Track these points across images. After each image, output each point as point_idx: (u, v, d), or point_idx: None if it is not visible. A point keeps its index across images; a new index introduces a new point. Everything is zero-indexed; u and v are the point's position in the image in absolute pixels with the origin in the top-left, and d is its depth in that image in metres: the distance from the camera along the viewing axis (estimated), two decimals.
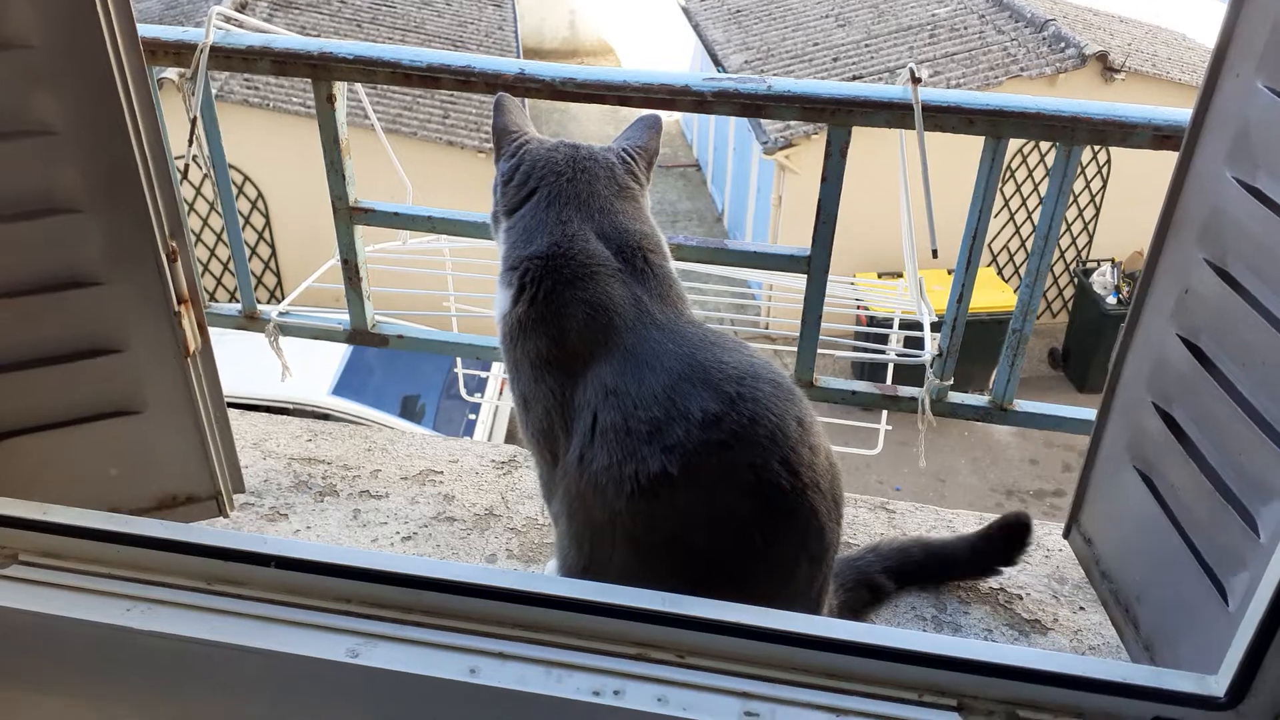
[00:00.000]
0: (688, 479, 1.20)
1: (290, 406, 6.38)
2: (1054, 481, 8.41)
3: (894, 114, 1.58)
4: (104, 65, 1.32)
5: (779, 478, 1.21)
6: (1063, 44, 9.16)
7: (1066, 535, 1.65)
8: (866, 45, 10.23)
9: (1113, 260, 9.31)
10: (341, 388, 6.77)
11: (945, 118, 1.57)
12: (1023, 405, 1.85)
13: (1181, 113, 1.52)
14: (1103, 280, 9.15)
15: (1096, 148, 9.12)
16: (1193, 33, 11.27)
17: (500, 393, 7.12)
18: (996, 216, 9.01)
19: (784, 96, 1.59)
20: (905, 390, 1.86)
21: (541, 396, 1.31)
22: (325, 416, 6.58)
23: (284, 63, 1.72)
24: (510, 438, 7.71)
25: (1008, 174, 9.19)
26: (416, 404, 7.33)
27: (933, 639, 1.09)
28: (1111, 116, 1.54)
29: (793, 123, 8.95)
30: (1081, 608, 1.66)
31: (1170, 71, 9.30)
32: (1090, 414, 1.65)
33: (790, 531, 1.25)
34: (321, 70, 1.72)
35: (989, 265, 9.52)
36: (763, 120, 9.10)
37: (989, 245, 9.21)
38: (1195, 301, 1.35)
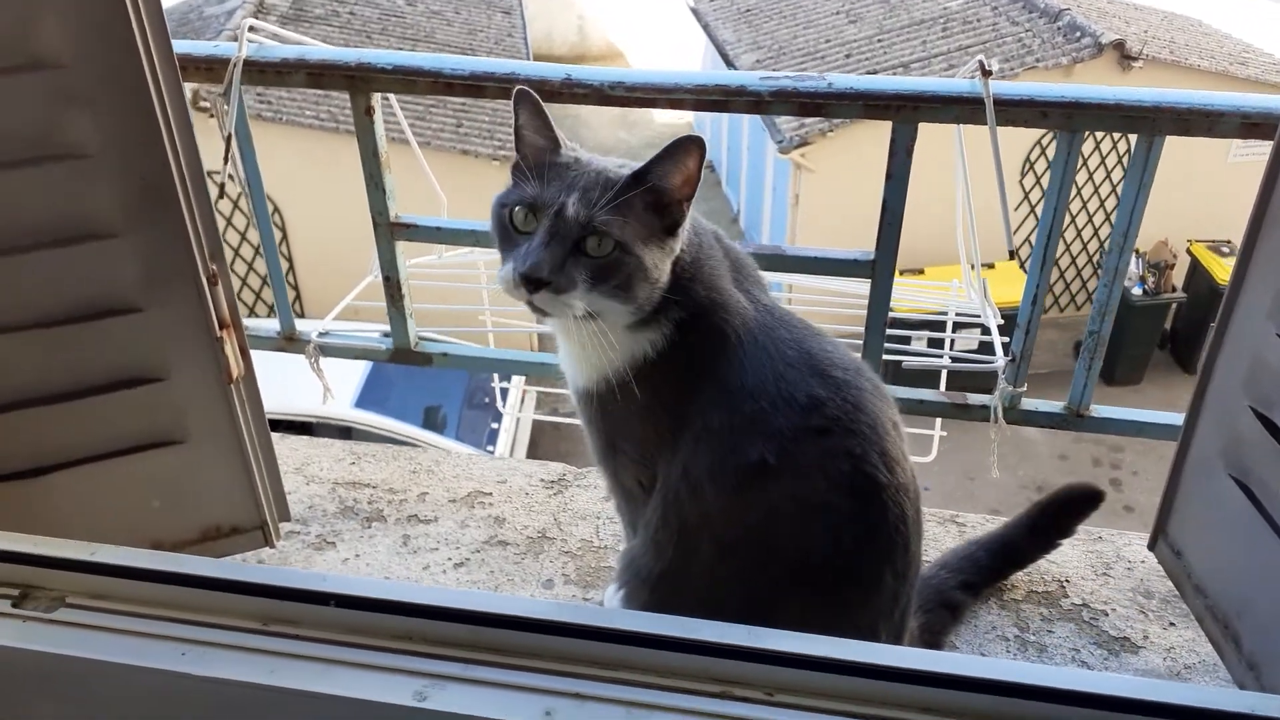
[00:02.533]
0: (784, 467, 1.14)
1: (314, 421, 6.35)
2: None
3: (963, 109, 1.51)
4: (139, 83, 1.26)
5: (877, 470, 1.16)
6: (1078, 33, 9.06)
7: (1152, 546, 1.57)
8: (879, 40, 10.14)
9: (1136, 250, 9.18)
10: (364, 400, 6.76)
11: (1018, 111, 1.49)
12: (1100, 411, 1.77)
13: (1272, 99, 1.44)
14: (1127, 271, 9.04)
15: (1117, 135, 9.03)
16: (1209, 18, 11.14)
17: (521, 404, 7.08)
18: (1017, 209, 8.92)
19: (846, 94, 1.52)
20: (976, 398, 1.78)
21: (653, 427, 1.24)
22: (348, 430, 6.56)
23: (320, 75, 1.66)
24: (534, 448, 7.66)
25: (1027, 166, 9.10)
26: (439, 414, 7.30)
27: (1037, 669, 1.01)
28: (1197, 105, 1.46)
29: (807, 120, 8.88)
30: (1172, 623, 1.58)
31: (1189, 58, 9.18)
32: (1176, 418, 1.57)
33: (880, 535, 1.19)
34: (359, 82, 1.65)
35: (1011, 259, 9.42)
36: (776, 119, 9.02)
37: (1013, 252, 9.17)
38: None
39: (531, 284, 1.13)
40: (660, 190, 1.15)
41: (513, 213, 1.18)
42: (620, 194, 1.13)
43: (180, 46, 1.64)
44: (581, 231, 1.13)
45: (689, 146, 1.12)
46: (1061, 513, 1.62)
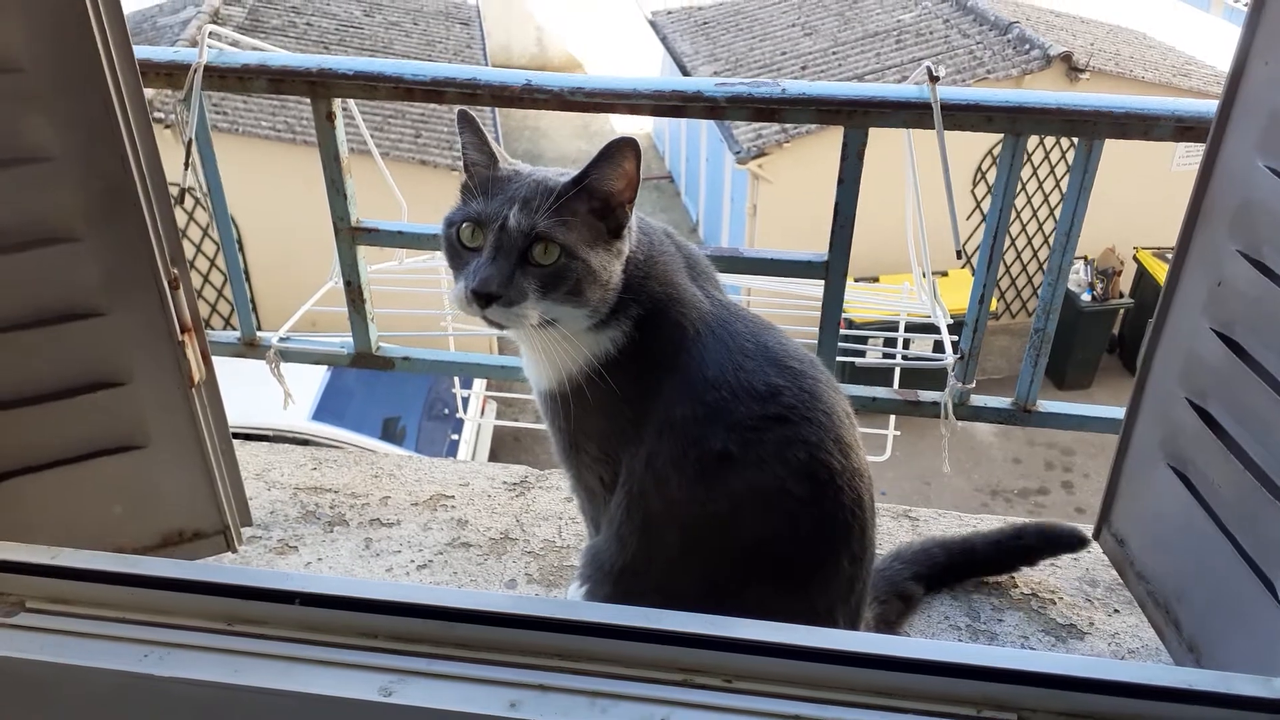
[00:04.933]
0: (745, 456, 1.18)
1: (271, 434, 6.28)
2: (1038, 480, 8.44)
3: (912, 114, 1.56)
4: (100, 87, 1.27)
5: (832, 456, 1.20)
6: (1027, 45, 9.26)
7: (1096, 536, 1.63)
8: (834, 53, 10.28)
9: (1084, 258, 9.38)
10: (321, 412, 6.68)
11: (964, 116, 1.55)
12: (1046, 406, 1.82)
13: (1204, 104, 1.51)
14: (1076, 278, 9.22)
15: (1066, 145, 9.23)
16: (1153, 31, 11.43)
17: (482, 412, 7.05)
18: (968, 218, 9.07)
19: (799, 99, 1.56)
20: (927, 395, 1.83)
21: (616, 423, 1.26)
22: (305, 443, 6.48)
23: (281, 80, 1.67)
24: (494, 459, 7.64)
25: (979, 175, 9.26)
26: (397, 426, 7.24)
27: (989, 651, 1.05)
28: (1134, 109, 1.53)
29: (764, 132, 8.97)
30: (1116, 610, 1.63)
31: (1134, 70, 9.41)
32: (1118, 412, 1.62)
33: (837, 521, 1.22)
34: (320, 88, 1.66)
35: (964, 266, 9.59)
36: (734, 130, 9.11)
37: (964, 246, 9.29)
38: (1229, 294, 1.33)
39: (483, 299, 1.15)
40: (601, 193, 1.17)
41: (460, 230, 1.20)
42: (560, 199, 1.15)
43: (141, 51, 1.64)
44: (526, 241, 1.15)
45: (623, 147, 1.14)
46: (1035, 547, 1.67)
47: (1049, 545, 1.66)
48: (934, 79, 1.51)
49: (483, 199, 1.19)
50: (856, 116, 1.58)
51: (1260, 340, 1.27)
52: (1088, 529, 1.66)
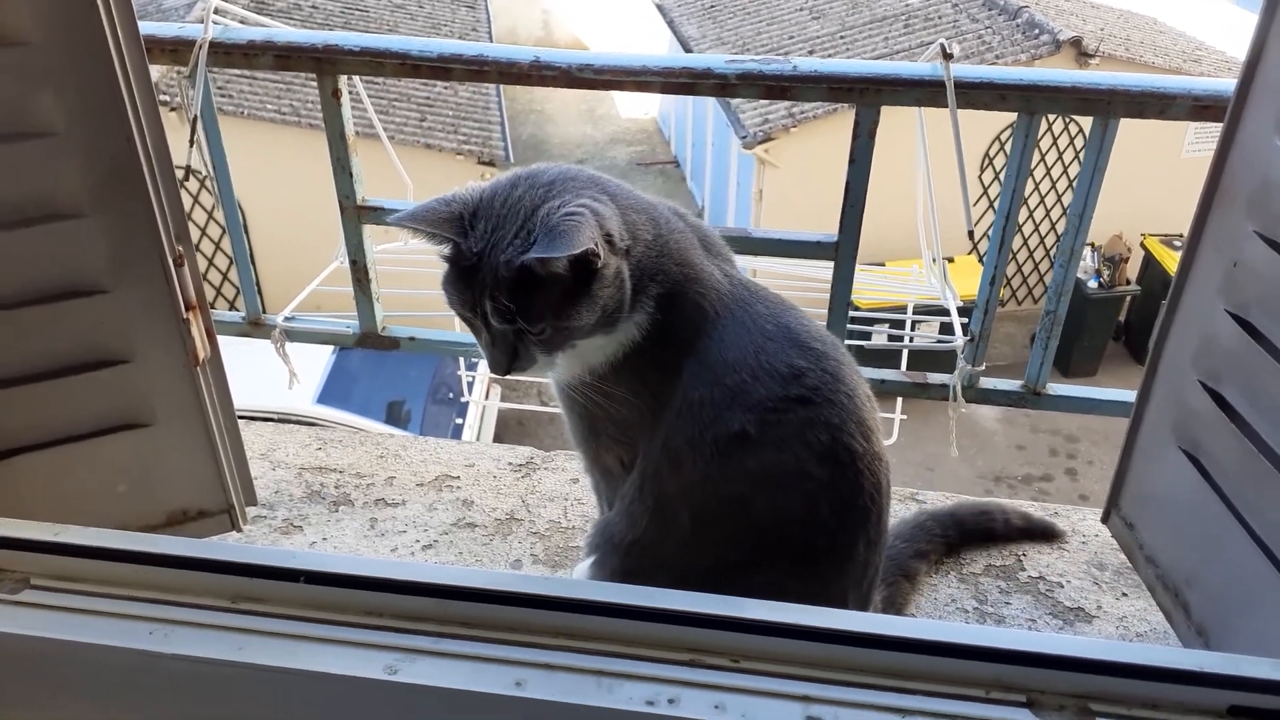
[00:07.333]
0: (764, 437, 1.16)
1: (275, 417, 6.28)
2: (1041, 467, 8.43)
3: (925, 92, 1.54)
4: (106, 63, 1.26)
5: (854, 439, 1.18)
6: (1037, 30, 9.20)
7: (1105, 520, 1.62)
8: (842, 37, 10.22)
9: (1092, 244, 9.34)
10: (327, 396, 6.69)
11: (977, 94, 1.53)
12: (1056, 389, 1.81)
13: (1220, 83, 1.49)
14: (1083, 265, 9.18)
15: (1074, 131, 9.18)
16: (1164, 16, 11.35)
17: (487, 394, 7.05)
18: (976, 203, 9.03)
19: (810, 77, 1.55)
20: (936, 377, 1.82)
21: (637, 408, 1.24)
22: (310, 425, 6.47)
23: (287, 57, 1.65)
24: (500, 441, 7.64)
25: (986, 161, 9.22)
26: (402, 409, 7.25)
27: (999, 633, 1.04)
28: (1149, 88, 1.51)
29: (770, 116, 8.93)
30: (1124, 594, 1.62)
31: (1144, 55, 9.35)
32: (1128, 395, 1.61)
33: (856, 505, 1.21)
34: (326, 64, 1.65)
35: (970, 252, 9.55)
36: (741, 114, 9.07)
37: (972, 231, 9.22)
38: (1245, 275, 1.31)
39: (501, 373, 1.21)
40: (553, 272, 1.11)
41: (459, 314, 1.22)
42: (522, 290, 1.12)
43: (146, 28, 1.63)
44: (516, 336, 1.17)
45: (564, 236, 1.08)
46: (1014, 534, 1.74)
47: (1025, 536, 1.73)
48: (948, 56, 1.49)
49: (458, 286, 1.18)
50: (869, 94, 1.56)
51: (1276, 322, 1.26)
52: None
